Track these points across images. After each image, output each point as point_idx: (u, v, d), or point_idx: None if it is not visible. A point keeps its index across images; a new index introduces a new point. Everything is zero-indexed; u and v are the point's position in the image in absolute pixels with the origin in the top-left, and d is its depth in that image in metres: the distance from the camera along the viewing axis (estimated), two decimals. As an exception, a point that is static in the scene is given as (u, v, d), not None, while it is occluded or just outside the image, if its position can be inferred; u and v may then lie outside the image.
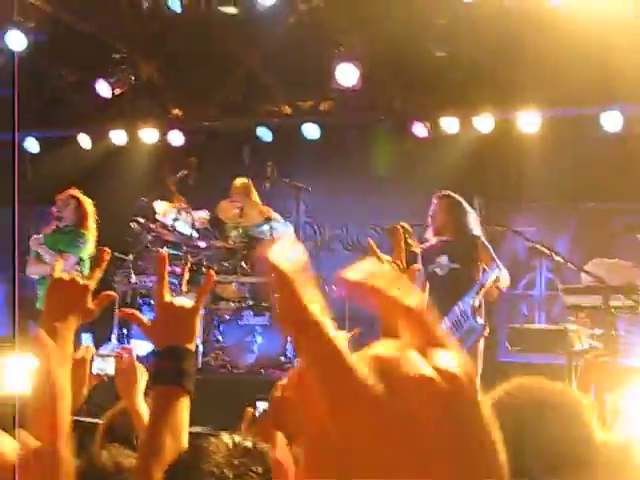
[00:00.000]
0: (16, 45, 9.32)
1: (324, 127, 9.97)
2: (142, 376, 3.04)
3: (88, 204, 8.13)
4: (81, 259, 7.81)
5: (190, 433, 1.84)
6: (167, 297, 1.93)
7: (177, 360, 1.84)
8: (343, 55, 8.85)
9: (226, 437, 1.75)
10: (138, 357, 3.13)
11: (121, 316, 7.88)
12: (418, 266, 2.59)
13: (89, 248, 7.85)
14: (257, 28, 9.35)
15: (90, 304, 2.00)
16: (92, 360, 2.66)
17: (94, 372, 2.87)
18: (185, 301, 1.93)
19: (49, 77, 10.43)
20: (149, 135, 10.30)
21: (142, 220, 8.91)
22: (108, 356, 3.03)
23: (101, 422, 3.32)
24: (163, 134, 10.28)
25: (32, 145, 10.98)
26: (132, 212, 9.10)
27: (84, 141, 10.69)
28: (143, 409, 3.01)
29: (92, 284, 2.03)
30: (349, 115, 9.99)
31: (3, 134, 10.83)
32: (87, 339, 8.09)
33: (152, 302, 8.36)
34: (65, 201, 8.13)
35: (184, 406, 1.83)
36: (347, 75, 8.86)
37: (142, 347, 8.53)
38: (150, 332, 1.94)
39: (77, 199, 8.14)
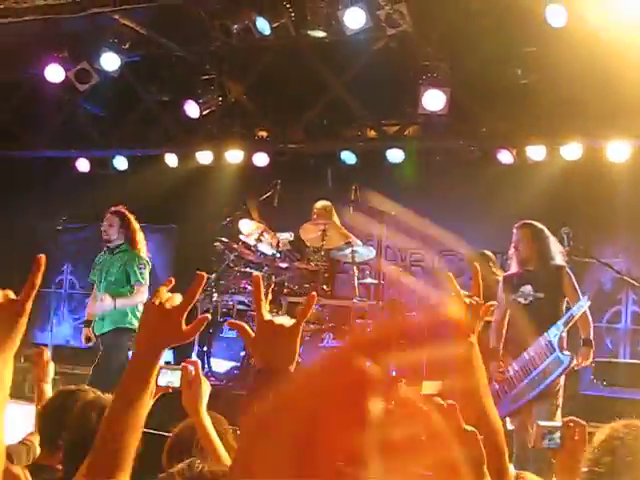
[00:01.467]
0: (110, 66, 9.59)
1: (409, 152, 9.95)
2: (207, 390, 3.07)
3: (132, 219, 7.85)
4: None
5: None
6: (266, 316, 1.93)
7: (274, 383, 1.83)
8: (430, 80, 8.83)
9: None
10: (213, 373, 3.16)
11: (204, 333, 7.93)
12: (494, 303, 2.58)
13: (148, 270, 7.70)
14: (344, 52, 9.41)
15: (183, 327, 1.98)
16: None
17: (161, 384, 2.91)
18: (285, 320, 1.93)
19: (140, 97, 10.67)
20: (235, 156, 10.43)
21: (226, 240, 9.01)
22: (175, 369, 3.05)
23: (169, 435, 3.36)
24: (248, 155, 10.40)
25: (121, 163, 11.24)
26: (216, 232, 9.22)
27: (171, 160, 10.89)
28: (207, 422, 3.05)
29: (186, 308, 2.00)
30: (434, 140, 9.94)
31: (94, 151, 11.15)
32: (168, 355, 8.21)
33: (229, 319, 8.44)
34: (109, 219, 7.86)
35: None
36: (434, 100, 8.83)
37: (221, 365, 8.64)
38: (252, 348, 1.95)
39: (119, 216, 7.86)
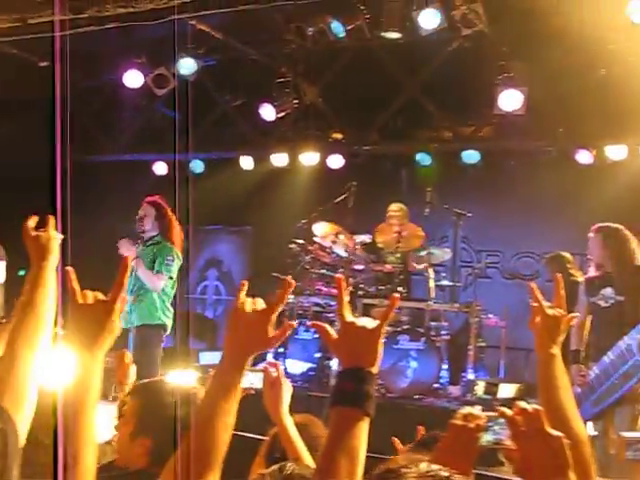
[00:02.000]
0: (186, 70, 9.74)
1: (484, 153, 9.86)
2: (288, 392, 3.09)
3: (169, 211, 7.46)
4: (170, 278, 7.24)
5: (370, 457, 1.84)
6: (349, 317, 1.92)
7: (358, 382, 1.83)
8: (506, 80, 8.74)
9: (423, 465, 1.72)
10: (289, 375, 3.17)
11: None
12: (576, 314, 2.54)
13: (178, 264, 7.31)
14: (419, 53, 9.38)
15: (271, 333, 1.98)
16: None
17: (243, 385, 2.93)
18: (367, 322, 1.93)
19: (216, 101, 10.81)
20: (310, 158, 10.48)
21: (301, 241, 9.05)
22: (256, 370, 3.07)
23: (265, 438, 3.37)
24: (323, 157, 10.44)
25: (197, 166, 11.39)
26: (291, 234, 9.27)
27: (246, 163, 11.00)
28: (289, 423, 3.05)
29: (273, 314, 1.99)
30: (510, 141, 9.83)
31: (172, 155, 11.30)
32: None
33: (308, 322, 8.46)
34: (144, 210, 7.57)
35: (363, 430, 1.81)
36: (511, 101, 8.74)
37: (297, 366, 8.68)
38: (335, 349, 1.95)
39: (155, 206, 7.54)
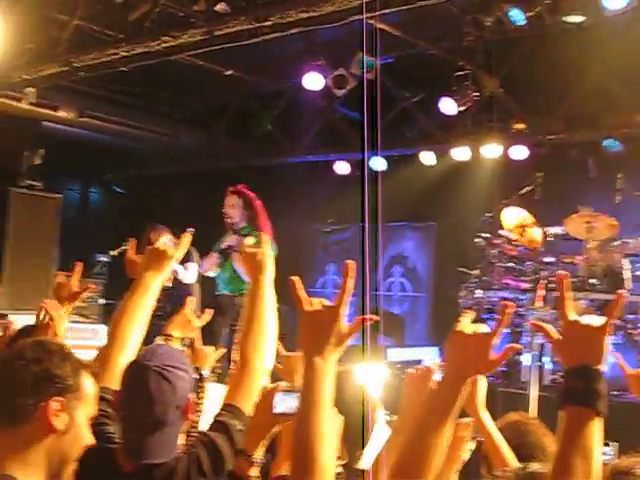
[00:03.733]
0: (366, 70, 9.79)
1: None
2: (483, 388, 3.05)
3: (255, 198, 7.40)
4: None
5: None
6: (571, 316, 1.92)
7: (587, 380, 1.82)
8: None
9: None
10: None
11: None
12: None
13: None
14: (604, 35, 9.01)
15: (491, 357, 1.97)
16: None
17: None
18: (592, 319, 1.90)
19: (395, 98, 10.83)
20: (492, 150, 10.29)
21: (487, 235, 8.94)
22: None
23: None
24: (506, 149, 10.23)
25: (379, 164, 11.44)
26: (476, 227, 9.16)
27: (428, 158, 10.95)
28: (485, 419, 3.05)
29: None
30: None
31: (353, 154, 11.45)
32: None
33: (496, 317, 8.33)
34: (230, 200, 7.50)
35: (596, 428, 1.80)
36: None
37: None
38: (559, 349, 1.94)
39: (241, 195, 7.48)
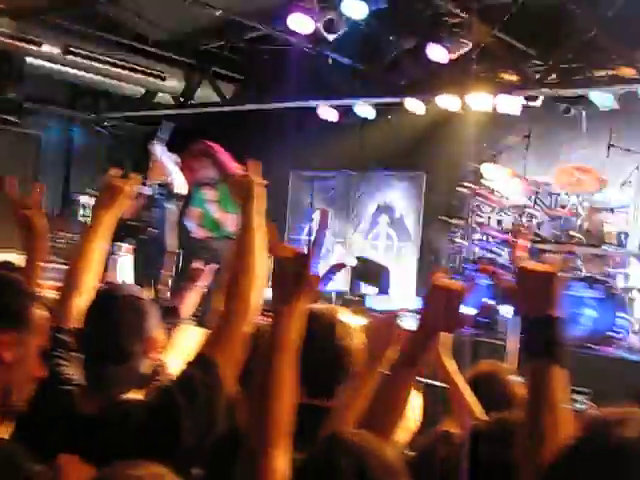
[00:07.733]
0: (356, 14, 9.60)
1: None
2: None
3: (219, 152, 7.26)
4: None
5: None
6: (523, 262, 1.87)
7: (542, 329, 1.79)
8: None
9: None
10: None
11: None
12: None
13: None
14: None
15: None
16: None
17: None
18: (539, 266, 1.84)
19: (386, 44, 10.62)
20: (481, 101, 10.13)
21: (470, 185, 8.86)
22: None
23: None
24: (496, 100, 10.07)
25: (367, 111, 11.29)
26: (463, 177, 9.08)
27: (417, 107, 10.79)
28: (451, 367, 2.99)
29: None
30: None
31: (341, 99, 11.29)
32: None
33: (478, 267, 8.28)
34: (200, 161, 7.60)
35: (558, 377, 1.77)
36: None
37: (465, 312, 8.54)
38: (509, 296, 1.89)
39: (207, 154, 7.44)
